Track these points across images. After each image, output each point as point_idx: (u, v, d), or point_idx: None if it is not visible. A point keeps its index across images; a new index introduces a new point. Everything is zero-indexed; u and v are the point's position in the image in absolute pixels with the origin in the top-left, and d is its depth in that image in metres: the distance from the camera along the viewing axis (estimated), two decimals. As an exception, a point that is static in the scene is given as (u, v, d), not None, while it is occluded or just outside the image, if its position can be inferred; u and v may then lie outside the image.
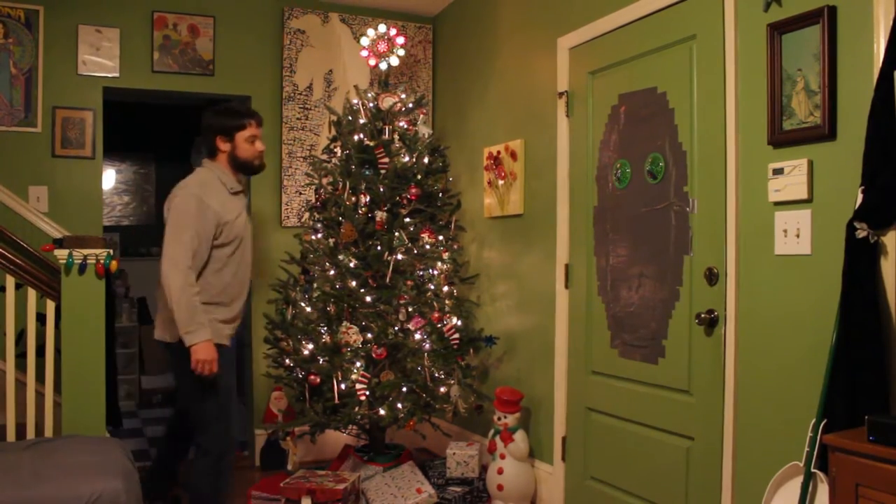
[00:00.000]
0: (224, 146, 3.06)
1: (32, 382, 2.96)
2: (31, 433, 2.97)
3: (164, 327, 3.00)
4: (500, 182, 3.93)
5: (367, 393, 3.43)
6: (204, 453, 2.97)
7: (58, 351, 3.00)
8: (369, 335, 3.52)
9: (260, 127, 3.13)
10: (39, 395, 3.04)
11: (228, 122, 3.05)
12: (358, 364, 3.46)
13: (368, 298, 3.54)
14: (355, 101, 3.87)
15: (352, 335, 3.47)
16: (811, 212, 2.24)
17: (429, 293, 3.65)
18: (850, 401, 1.98)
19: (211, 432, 2.96)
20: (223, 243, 2.99)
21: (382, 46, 3.99)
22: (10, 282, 3.01)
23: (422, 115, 4.03)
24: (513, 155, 3.83)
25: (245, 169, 3.12)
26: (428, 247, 3.68)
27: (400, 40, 4.03)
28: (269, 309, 3.92)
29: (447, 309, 3.67)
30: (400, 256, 3.57)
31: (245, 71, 4.39)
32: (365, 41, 4.01)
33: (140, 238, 7.07)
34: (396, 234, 3.59)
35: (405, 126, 3.84)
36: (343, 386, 3.44)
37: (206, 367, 2.84)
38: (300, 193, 4.48)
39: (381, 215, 3.62)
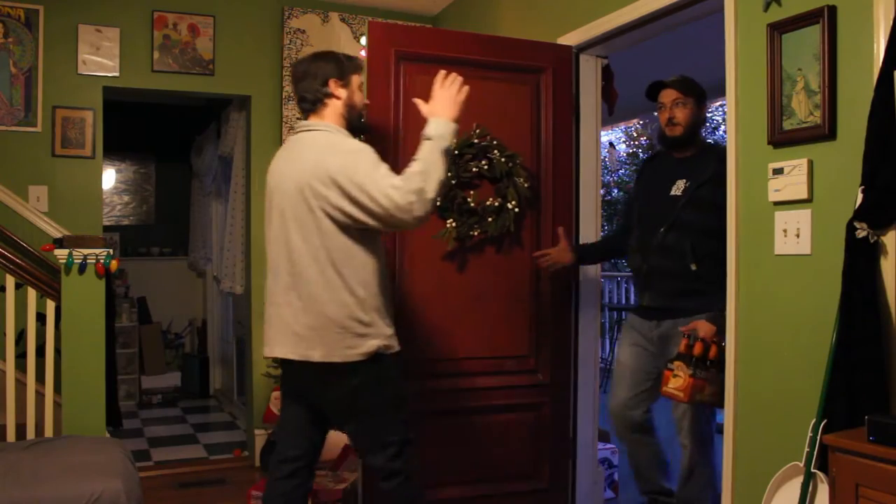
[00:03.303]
0: (339, 91, 2.34)
1: (32, 382, 2.96)
2: (31, 433, 2.96)
3: (328, 343, 2.24)
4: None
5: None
6: (406, 479, 2.34)
7: (58, 351, 3.00)
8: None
9: None
10: (39, 395, 3.04)
11: (343, 63, 2.37)
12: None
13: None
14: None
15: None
16: (811, 212, 2.24)
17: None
18: (850, 401, 1.97)
19: (407, 453, 2.35)
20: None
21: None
22: (10, 282, 3.01)
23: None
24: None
25: (357, 122, 2.42)
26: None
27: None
28: (269, 309, 3.91)
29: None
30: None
31: (245, 71, 4.39)
32: (365, 40, 4.00)
33: (140, 238, 7.07)
34: (397, 233, 3.57)
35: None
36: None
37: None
38: (300, 193, 4.47)
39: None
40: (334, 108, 2.34)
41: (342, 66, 2.35)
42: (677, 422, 2.82)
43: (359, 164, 2.17)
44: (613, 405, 2.95)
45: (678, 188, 2.76)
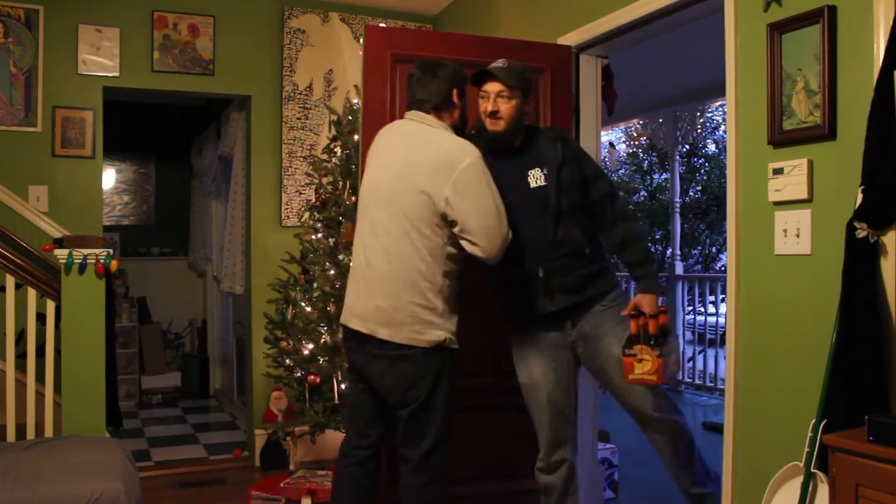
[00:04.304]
0: (459, 102, 2.49)
1: (32, 382, 2.96)
2: (31, 433, 2.96)
3: (397, 324, 2.30)
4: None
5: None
6: (433, 478, 2.37)
7: (58, 351, 3.00)
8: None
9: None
10: (39, 395, 3.04)
11: (462, 76, 2.51)
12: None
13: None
14: (355, 100, 3.86)
15: (352, 335, 3.46)
16: (811, 212, 2.24)
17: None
18: (850, 401, 1.97)
19: (441, 453, 2.38)
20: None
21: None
22: (10, 282, 3.01)
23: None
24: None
25: (459, 130, 2.52)
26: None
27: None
28: (269, 309, 3.92)
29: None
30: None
31: (245, 71, 4.39)
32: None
33: (140, 238, 7.07)
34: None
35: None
36: (343, 386, 3.44)
37: None
38: (300, 193, 4.48)
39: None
40: (450, 114, 2.47)
41: (462, 79, 2.50)
42: (640, 398, 2.48)
43: (489, 186, 2.32)
44: (550, 437, 2.60)
45: (537, 178, 2.52)
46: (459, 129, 2.50)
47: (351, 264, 2.52)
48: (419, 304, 2.29)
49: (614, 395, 2.57)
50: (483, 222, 2.28)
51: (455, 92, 2.46)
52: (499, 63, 2.53)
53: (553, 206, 2.48)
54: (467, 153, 2.32)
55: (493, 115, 2.49)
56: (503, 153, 2.56)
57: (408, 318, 2.29)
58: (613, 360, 2.47)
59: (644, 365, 2.36)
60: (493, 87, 2.49)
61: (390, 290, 2.31)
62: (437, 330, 2.32)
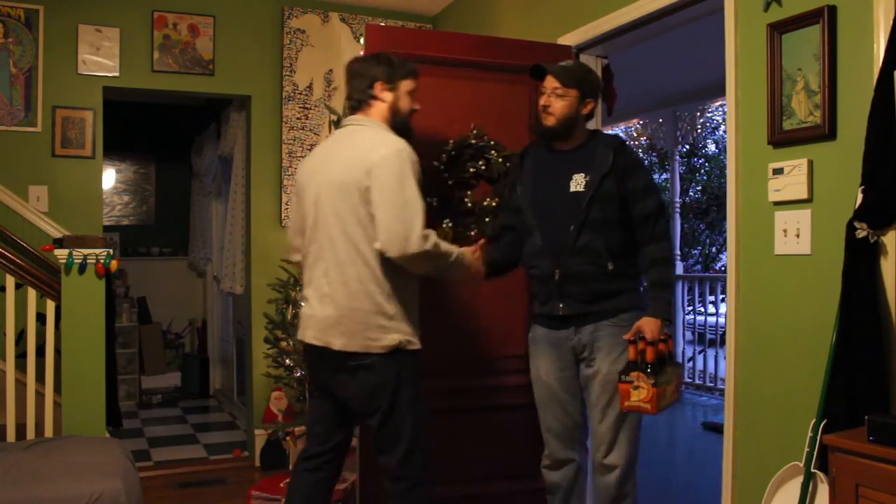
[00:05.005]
0: (385, 95, 2.39)
1: (32, 382, 2.96)
2: (31, 433, 2.97)
3: (350, 332, 2.25)
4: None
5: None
6: (411, 487, 2.31)
7: (58, 351, 3.00)
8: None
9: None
10: (39, 395, 3.04)
11: (394, 68, 2.42)
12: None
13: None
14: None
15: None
16: (811, 212, 2.24)
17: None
18: (850, 401, 1.98)
19: (417, 460, 2.32)
20: None
21: (383, 46, 3.97)
22: (10, 282, 3.01)
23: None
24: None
25: (400, 127, 2.43)
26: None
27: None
28: (269, 309, 3.92)
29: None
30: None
31: (245, 71, 4.39)
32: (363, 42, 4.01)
33: (140, 238, 7.08)
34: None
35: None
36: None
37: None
38: (300, 193, 4.48)
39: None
40: (378, 109, 2.39)
41: (392, 71, 2.39)
42: (599, 436, 2.49)
43: (401, 180, 2.21)
44: (553, 428, 2.61)
45: (578, 183, 2.49)
46: (403, 124, 2.42)
47: (303, 278, 2.46)
48: (370, 310, 2.22)
49: (588, 413, 2.56)
50: (384, 214, 2.18)
51: (379, 85, 2.37)
52: (566, 62, 2.58)
53: (581, 214, 2.45)
54: (385, 144, 2.24)
55: (545, 109, 2.52)
56: (559, 152, 2.58)
57: (360, 325, 2.23)
58: (599, 376, 2.45)
59: (640, 392, 2.29)
60: (548, 83, 2.52)
61: (340, 299, 2.25)
62: (393, 334, 2.24)
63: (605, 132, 2.68)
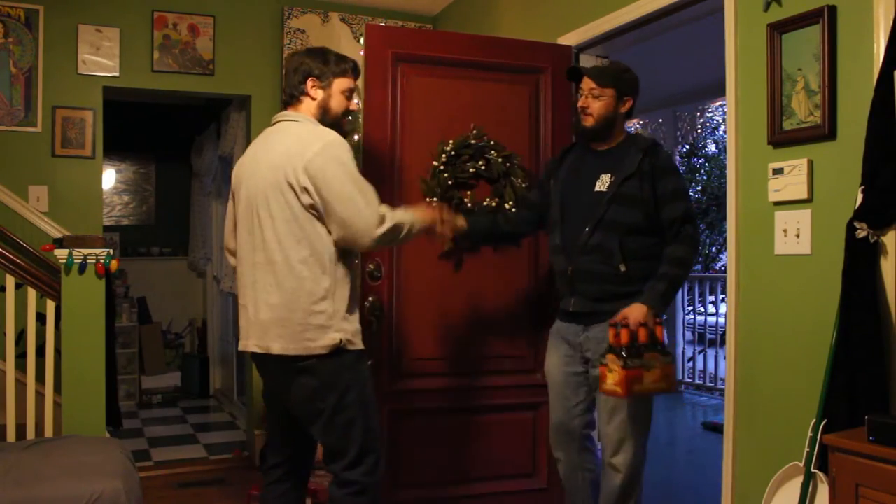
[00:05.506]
0: (315, 92, 2.33)
1: (32, 382, 2.96)
2: (31, 433, 2.96)
3: (288, 335, 2.18)
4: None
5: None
6: (358, 492, 2.22)
7: (58, 351, 3.00)
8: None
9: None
10: (39, 395, 3.04)
11: (328, 64, 2.35)
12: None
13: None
14: (355, 100, 3.86)
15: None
16: (811, 212, 2.24)
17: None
18: (850, 401, 1.98)
19: (365, 465, 2.23)
20: None
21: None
22: (10, 282, 3.01)
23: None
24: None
25: (334, 129, 2.33)
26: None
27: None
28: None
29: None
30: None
31: (245, 71, 4.39)
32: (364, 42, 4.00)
33: (140, 238, 7.08)
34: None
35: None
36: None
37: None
38: (300, 193, 4.47)
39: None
40: (308, 106, 2.33)
41: (326, 68, 2.32)
42: (607, 437, 2.50)
43: (345, 169, 2.18)
44: (552, 422, 2.68)
45: (603, 183, 2.52)
46: (334, 125, 2.34)
47: (237, 284, 2.38)
48: (306, 310, 2.14)
49: (597, 414, 2.58)
50: (341, 209, 2.13)
51: (311, 81, 2.31)
52: (602, 63, 2.60)
53: (598, 214, 2.47)
54: (319, 138, 2.18)
55: (583, 111, 2.56)
56: (595, 152, 2.62)
57: (298, 327, 2.14)
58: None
59: (613, 376, 2.26)
60: (585, 84, 2.57)
61: (275, 302, 2.17)
62: (332, 333, 2.15)
63: (643, 135, 2.69)
